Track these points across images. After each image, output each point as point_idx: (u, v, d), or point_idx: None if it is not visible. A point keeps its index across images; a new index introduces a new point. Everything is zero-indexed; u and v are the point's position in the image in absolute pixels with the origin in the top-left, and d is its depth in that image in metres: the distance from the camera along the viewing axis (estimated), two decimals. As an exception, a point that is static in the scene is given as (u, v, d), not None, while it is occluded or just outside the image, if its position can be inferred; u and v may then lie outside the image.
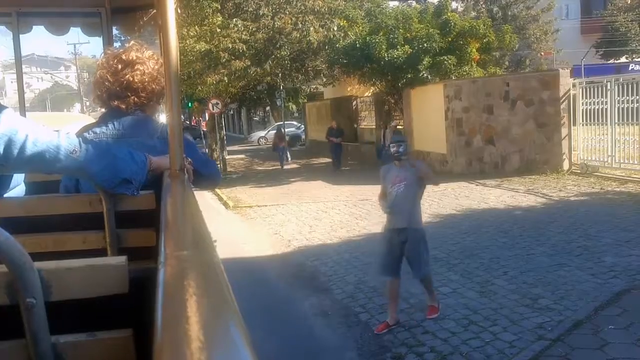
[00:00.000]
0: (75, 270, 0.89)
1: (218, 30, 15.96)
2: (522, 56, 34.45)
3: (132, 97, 2.06)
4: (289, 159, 22.89)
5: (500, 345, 4.75)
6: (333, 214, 11.09)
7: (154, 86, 2.10)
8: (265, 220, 11.19)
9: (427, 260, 5.46)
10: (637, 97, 11.93)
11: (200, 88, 18.05)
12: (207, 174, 2.17)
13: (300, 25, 17.01)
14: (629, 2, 39.59)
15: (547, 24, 35.58)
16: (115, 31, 3.95)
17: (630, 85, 12.16)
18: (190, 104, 25.15)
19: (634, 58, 38.03)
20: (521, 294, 5.84)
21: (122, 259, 0.93)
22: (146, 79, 2.07)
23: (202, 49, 15.64)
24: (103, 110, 2.22)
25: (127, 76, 2.05)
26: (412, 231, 5.27)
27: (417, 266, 5.29)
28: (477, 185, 12.98)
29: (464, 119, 14.79)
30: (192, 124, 37.79)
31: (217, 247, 0.99)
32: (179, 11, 2.73)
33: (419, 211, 5.46)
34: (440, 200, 11.22)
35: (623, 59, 38.02)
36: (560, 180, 12.71)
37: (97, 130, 2.04)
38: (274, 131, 35.13)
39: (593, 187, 11.59)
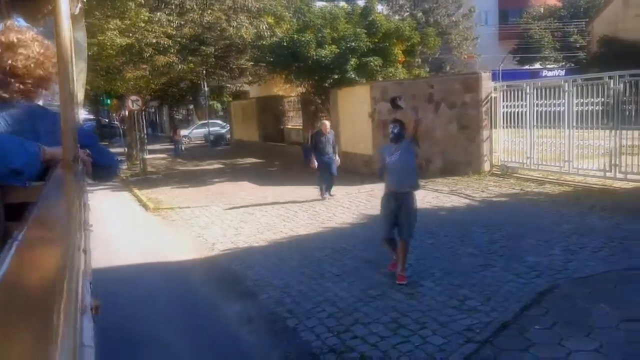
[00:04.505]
0: None
1: (142, 25, 15.31)
2: (443, 61, 35.51)
3: (17, 84, 1.84)
4: (183, 150, 27.86)
5: (430, 348, 4.68)
6: (259, 215, 10.83)
7: (40, 72, 1.91)
8: (188, 222, 10.78)
9: (414, 225, 6.37)
10: (554, 101, 12.43)
11: (119, 84, 17.29)
12: (105, 165, 2.09)
13: (234, 23, 16.67)
14: (542, 11, 41.81)
15: (468, 29, 36.91)
16: (23, 23, 3.61)
17: (547, 90, 12.63)
18: (108, 101, 24.14)
19: (546, 64, 40.20)
20: (449, 295, 5.82)
21: None
22: (31, 64, 1.88)
23: (124, 43, 14.94)
24: None
25: (10, 61, 1.84)
26: (405, 195, 6.31)
27: (405, 228, 6.22)
28: (402, 186, 13.05)
29: (390, 120, 14.88)
30: (116, 120, 36.08)
31: (92, 232, 0.97)
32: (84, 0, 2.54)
33: (414, 177, 6.54)
34: (368, 202, 11.20)
35: (537, 65, 40.11)
36: (482, 181, 13.03)
37: None
38: (198, 130, 34.92)
39: (513, 188, 11.94)
